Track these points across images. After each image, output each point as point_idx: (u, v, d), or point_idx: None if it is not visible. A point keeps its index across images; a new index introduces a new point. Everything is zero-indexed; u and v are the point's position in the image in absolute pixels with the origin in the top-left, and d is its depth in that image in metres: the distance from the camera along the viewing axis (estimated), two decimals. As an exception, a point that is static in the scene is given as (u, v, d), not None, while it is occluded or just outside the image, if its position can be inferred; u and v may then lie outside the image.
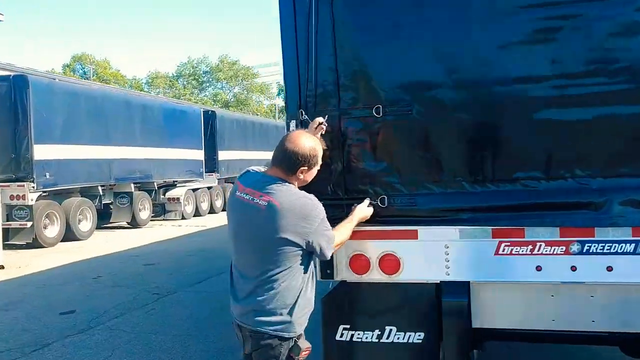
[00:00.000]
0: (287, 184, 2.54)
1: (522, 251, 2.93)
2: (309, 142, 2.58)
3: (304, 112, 3.12)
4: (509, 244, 2.95)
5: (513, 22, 2.91)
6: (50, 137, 12.34)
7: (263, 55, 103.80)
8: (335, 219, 2.83)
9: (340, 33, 3.06)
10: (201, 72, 62.49)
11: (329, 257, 2.65)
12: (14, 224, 11.89)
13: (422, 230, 3.06)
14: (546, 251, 2.90)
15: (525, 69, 2.90)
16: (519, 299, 3.06)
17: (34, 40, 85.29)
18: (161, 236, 13.96)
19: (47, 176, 12.20)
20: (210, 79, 62.90)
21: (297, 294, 2.54)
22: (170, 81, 61.08)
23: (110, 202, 15.49)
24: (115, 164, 14.60)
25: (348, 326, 3.18)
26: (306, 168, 2.57)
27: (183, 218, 17.91)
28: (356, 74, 3.09)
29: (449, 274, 3.03)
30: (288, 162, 2.54)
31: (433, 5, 3.04)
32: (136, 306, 6.93)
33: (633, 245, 2.78)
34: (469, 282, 3.04)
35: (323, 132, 3.01)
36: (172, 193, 17.94)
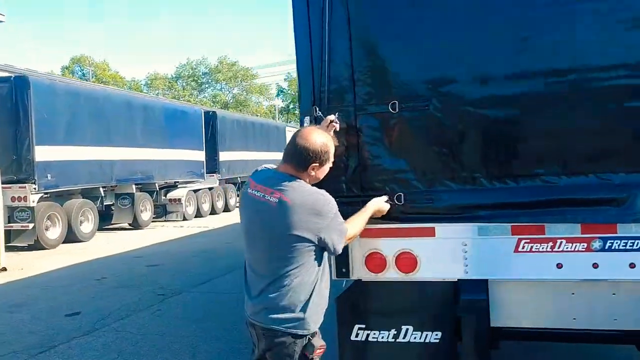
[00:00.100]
0: (298, 180, 2.50)
1: (543, 248, 2.88)
2: (321, 138, 2.53)
3: (317, 109, 3.06)
4: (528, 241, 2.90)
5: (531, 15, 2.86)
6: (51, 139, 12.26)
7: (263, 55, 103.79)
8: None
9: (356, 27, 3.01)
10: (200, 74, 62.49)
11: (340, 252, 2.59)
12: (16, 226, 11.82)
13: (439, 227, 3.01)
14: (567, 248, 2.85)
15: (545, 62, 2.86)
16: (538, 297, 3.01)
17: (32, 42, 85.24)
18: (163, 237, 13.90)
19: (49, 177, 12.13)
20: (210, 80, 62.88)
21: (311, 290, 2.49)
22: (170, 82, 61.05)
23: (111, 203, 15.41)
24: (116, 165, 14.54)
25: (363, 326, 3.14)
26: (317, 165, 2.52)
27: (184, 219, 17.85)
28: (372, 69, 3.04)
29: (467, 272, 2.98)
30: (299, 158, 2.50)
31: None
32: (141, 307, 6.87)
33: (657, 241, 2.73)
34: (487, 280, 2.99)
35: (337, 128, 2.96)
36: (173, 194, 17.87)
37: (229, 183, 21.60)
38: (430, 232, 3.02)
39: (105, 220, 15.30)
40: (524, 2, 2.89)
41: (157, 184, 16.78)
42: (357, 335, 3.14)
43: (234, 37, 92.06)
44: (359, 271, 3.11)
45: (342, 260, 3.08)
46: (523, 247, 2.91)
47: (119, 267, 9.89)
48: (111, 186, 14.96)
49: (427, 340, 3.06)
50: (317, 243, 2.46)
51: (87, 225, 13.73)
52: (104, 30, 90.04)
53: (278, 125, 30.45)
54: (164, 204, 17.77)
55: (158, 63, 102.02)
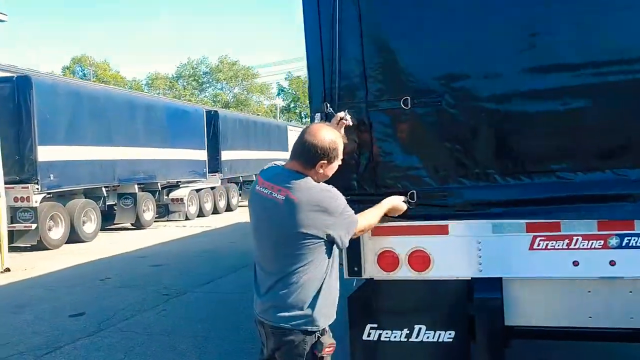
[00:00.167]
0: (305, 177, 2.46)
1: (558, 246, 2.84)
2: (329, 135, 2.48)
3: (328, 105, 3.02)
4: (544, 238, 2.86)
5: (546, 9, 2.82)
6: (54, 139, 12.23)
7: (263, 54, 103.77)
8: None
9: (367, 23, 2.97)
10: (201, 73, 62.48)
11: (347, 245, 2.54)
12: (19, 226, 11.79)
13: (453, 225, 2.97)
14: (583, 245, 2.81)
15: (560, 57, 2.81)
16: (554, 296, 2.97)
17: (33, 42, 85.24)
18: (166, 237, 13.86)
19: (51, 178, 12.10)
20: (210, 80, 62.88)
21: (319, 285, 2.45)
22: (170, 82, 61.04)
23: (114, 203, 15.39)
24: (118, 165, 14.51)
25: (375, 325, 3.10)
26: (325, 162, 2.47)
27: (187, 219, 17.82)
28: (383, 64, 3.00)
29: (481, 270, 2.94)
30: (307, 155, 2.46)
31: None
32: (146, 307, 6.83)
33: (675, 238, 2.69)
34: (501, 278, 2.95)
35: (349, 124, 2.92)
36: (175, 194, 17.85)
37: (231, 182, 21.57)
38: (444, 230, 2.98)
39: (107, 220, 15.26)
40: None
41: (159, 184, 16.75)
42: (369, 335, 3.09)
43: (235, 36, 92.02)
44: (371, 270, 3.07)
45: (354, 259, 3.04)
46: (538, 245, 2.87)
47: (123, 267, 9.85)
48: (113, 186, 14.93)
49: (440, 340, 3.02)
50: (325, 239, 2.43)
51: (90, 226, 13.70)
52: (104, 30, 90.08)
53: (279, 125, 30.41)
54: (166, 204, 17.76)
55: (159, 63, 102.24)
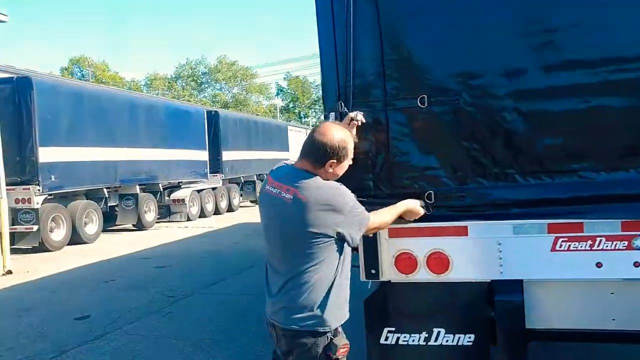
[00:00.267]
0: (314, 176, 2.41)
1: (581, 247, 2.77)
2: (339, 134, 2.43)
3: (342, 104, 2.96)
4: (566, 239, 2.79)
5: (564, 5, 2.76)
6: (55, 140, 12.15)
7: (262, 54, 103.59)
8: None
9: (383, 21, 2.90)
10: (200, 73, 62.36)
11: (358, 243, 2.48)
12: (20, 228, 11.70)
13: (472, 226, 2.90)
14: (607, 246, 2.74)
15: (580, 54, 2.75)
16: (576, 298, 2.90)
17: (31, 43, 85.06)
18: (168, 238, 13.79)
19: (53, 179, 12.01)
20: (209, 80, 62.76)
21: (330, 285, 2.39)
22: (169, 83, 60.94)
23: (115, 204, 15.30)
24: (120, 166, 14.43)
25: (393, 329, 3.03)
26: (335, 161, 2.42)
27: (188, 219, 17.74)
28: (399, 62, 2.94)
29: (501, 272, 2.88)
30: (316, 154, 2.41)
31: None
32: (152, 310, 6.76)
33: (702, 238, 2.63)
34: (522, 280, 2.89)
35: (363, 122, 2.86)
36: (177, 194, 17.77)
37: (232, 183, 21.49)
38: (463, 231, 2.91)
39: (109, 221, 15.17)
40: None
41: (160, 185, 16.68)
42: (386, 339, 3.03)
43: (234, 36, 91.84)
44: (389, 272, 3.00)
45: (371, 262, 2.98)
46: (560, 246, 2.80)
47: (127, 268, 9.78)
48: (115, 187, 14.85)
49: (459, 343, 2.95)
50: (335, 237, 2.37)
51: (92, 227, 13.62)
52: (103, 30, 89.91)
53: (280, 125, 30.36)
54: (167, 205, 17.67)
55: (157, 63, 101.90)
